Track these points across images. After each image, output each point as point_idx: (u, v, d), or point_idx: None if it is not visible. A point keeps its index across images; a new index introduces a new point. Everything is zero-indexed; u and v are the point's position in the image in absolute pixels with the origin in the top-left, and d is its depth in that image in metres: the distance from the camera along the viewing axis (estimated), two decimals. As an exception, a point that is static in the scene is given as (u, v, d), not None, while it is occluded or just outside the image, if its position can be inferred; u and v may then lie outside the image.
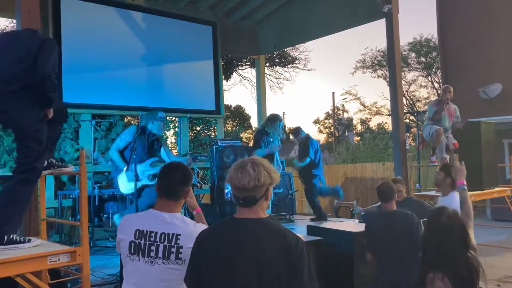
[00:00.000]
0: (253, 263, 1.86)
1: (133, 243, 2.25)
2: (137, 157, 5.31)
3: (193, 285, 1.97)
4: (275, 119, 6.30)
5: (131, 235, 2.27)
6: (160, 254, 2.22)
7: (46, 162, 3.34)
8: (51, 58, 3.17)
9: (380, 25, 7.55)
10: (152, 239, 2.24)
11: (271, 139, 6.16)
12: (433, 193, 7.11)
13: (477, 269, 2.22)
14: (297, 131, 7.42)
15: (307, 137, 7.34)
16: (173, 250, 2.20)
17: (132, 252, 2.25)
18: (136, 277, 2.26)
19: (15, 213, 3.02)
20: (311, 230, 5.51)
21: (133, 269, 2.26)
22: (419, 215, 4.02)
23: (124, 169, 5.22)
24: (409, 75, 30.58)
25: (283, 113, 73.03)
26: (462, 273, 2.18)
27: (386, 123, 33.66)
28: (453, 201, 3.76)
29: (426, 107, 7.12)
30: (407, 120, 16.83)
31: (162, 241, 2.23)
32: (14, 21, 7.38)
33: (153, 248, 2.23)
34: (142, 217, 2.36)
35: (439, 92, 7.06)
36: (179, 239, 2.21)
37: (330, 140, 38.36)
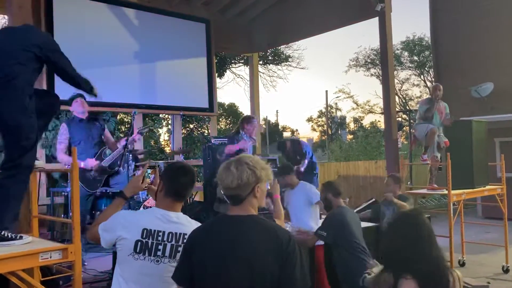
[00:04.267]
0: (245, 259, 1.87)
1: (139, 242, 2.25)
2: (79, 150, 5.23)
3: (184, 282, 1.98)
4: (247, 120, 6.31)
5: (137, 234, 2.26)
6: (167, 254, 2.25)
7: None
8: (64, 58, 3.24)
9: (373, 23, 7.58)
10: (159, 238, 2.26)
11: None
12: (424, 191, 7.16)
13: (446, 276, 2.16)
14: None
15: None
16: (180, 249, 2.22)
17: (138, 251, 2.25)
18: (138, 275, 2.26)
19: (4, 210, 2.97)
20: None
21: (136, 268, 2.25)
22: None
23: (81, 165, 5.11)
24: (402, 74, 30.77)
25: (277, 111, 73.19)
26: (428, 274, 2.11)
27: (379, 121, 33.87)
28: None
29: (418, 106, 7.16)
30: (400, 119, 16.94)
31: (169, 240, 2.26)
32: (6, 16, 7.33)
33: (160, 247, 2.25)
34: (146, 216, 2.35)
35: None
36: (185, 238, 2.23)
37: (323, 138, 38.45)
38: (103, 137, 5.51)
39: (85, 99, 5.42)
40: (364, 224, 5.41)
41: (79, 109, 5.38)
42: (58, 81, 6.87)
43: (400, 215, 2.32)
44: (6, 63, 2.98)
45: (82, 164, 5.13)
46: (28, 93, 3.04)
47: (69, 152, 5.18)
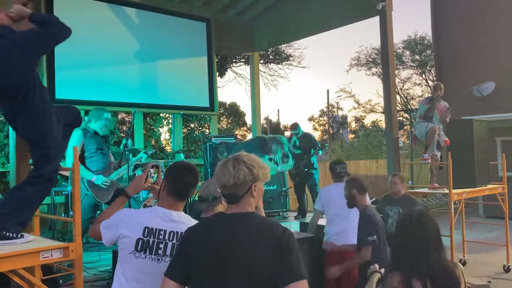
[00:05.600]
0: (242, 256, 1.87)
1: (141, 241, 2.25)
2: (94, 159, 5.23)
3: (177, 279, 1.97)
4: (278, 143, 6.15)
5: (138, 232, 2.26)
6: (168, 252, 2.25)
7: None
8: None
9: (375, 22, 7.57)
10: (161, 237, 2.26)
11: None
12: (425, 190, 7.16)
13: (455, 275, 2.14)
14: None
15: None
16: None
17: (139, 249, 2.25)
18: (138, 273, 2.26)
19: (14, 212, 2.97)
20: (304, 227, 5.54)
21: (137, 266, 2.25)
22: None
23: (93, 179, 5.13)
24: (404, 73, 30.68)
25: (278, 110, 73.18)
26: (439, 276, 2.09)
27: (380, 120, 33.83)
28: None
29: (418, 105, 7.16)
30: (401, 118, 16.92)
31: (171, 239, 2.26)
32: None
33: (161, 246, 2.25)
34: (148, 214, 2.35)
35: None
36: None
37: (325, 137, 38.41)
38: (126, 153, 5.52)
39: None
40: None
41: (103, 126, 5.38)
42: (57, 80, 6.94)
43: (406, 216, 2.29)
44: (20, 77, 2.94)
45: (93, 179, 5.14)
46: (50, 105, 3.04)
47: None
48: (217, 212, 2.09)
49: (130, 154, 5.45)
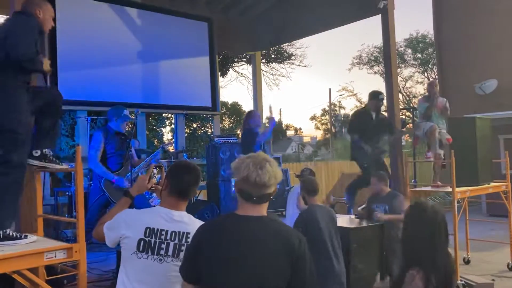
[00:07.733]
0: (254, 261, 1.86)
1: (142, 241, 2.25)
2: (113, 160, 5.23)
3: (190, 279, 1.97)
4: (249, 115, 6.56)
5: (140, 233, 2.26)
6: (170, 252, 2.25)
7: (39, 151, 3.25)
8: (25, 35, 2.93)
9: (377, 21, 7.56)
10: (162, 237, 2.25)
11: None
12: (428, 188, 7.13)
13: (453, 265, 2.19)
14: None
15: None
16: (183, 248, 2.22)
17: (141, 249, 2.25)
18: (141, 274, 2.26)
19: (4, 207, 2.93)
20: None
21: (139, 267, 2.25)
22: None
23: (113, 180, 5.13)
24: (406, 72, 30.63)
25: (280, 109, 73.15)
26: (441, 269, 2.10)
27: (382, 119, 33.74)
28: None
29: (417, 104, 7.14)
30: (403, 116, 16.88)
31: (172, 239, 2.26)
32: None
33: (163, 246, 2.24)
34: (150, 215, 2.34)
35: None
36: (189, 238, 2.22)
37: (327, 136, 38.39)
38: (130, 153, 5.51)
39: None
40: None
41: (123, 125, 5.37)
42: (60, 80, 6.95)
43: (420, 209, 2.27)
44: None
45: (113, 180, 5.13)
46: (17, 87, 2.97)
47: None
48: (229, 213, 2.08)
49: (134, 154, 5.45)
